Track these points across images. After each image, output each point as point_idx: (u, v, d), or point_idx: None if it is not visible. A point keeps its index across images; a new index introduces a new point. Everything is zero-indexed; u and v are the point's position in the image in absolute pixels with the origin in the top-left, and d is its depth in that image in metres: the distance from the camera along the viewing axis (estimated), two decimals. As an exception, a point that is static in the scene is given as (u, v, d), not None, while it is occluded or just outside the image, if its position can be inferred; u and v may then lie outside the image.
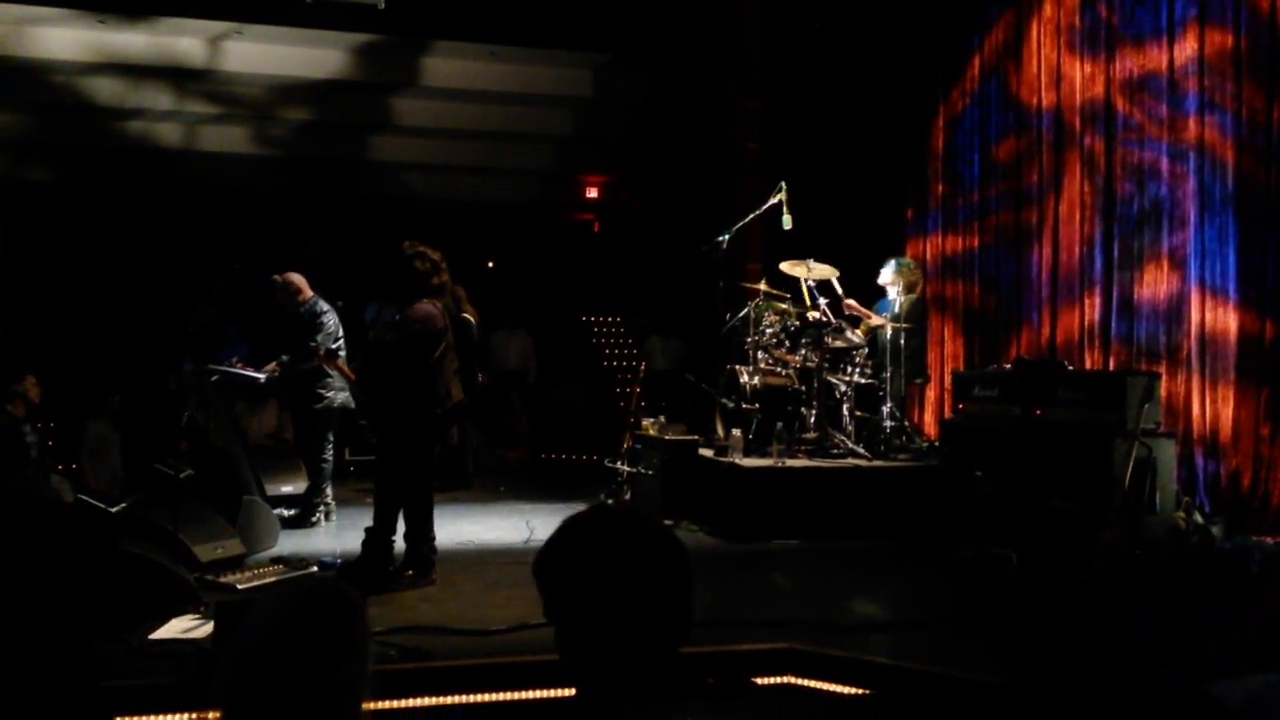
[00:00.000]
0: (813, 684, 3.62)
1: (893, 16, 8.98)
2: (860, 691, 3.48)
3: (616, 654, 1.50)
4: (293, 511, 6.84)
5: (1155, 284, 6.65)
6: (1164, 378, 6.20)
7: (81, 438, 8.26)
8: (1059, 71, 7.48)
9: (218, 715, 1.59)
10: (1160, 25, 6.64)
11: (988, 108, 8.32)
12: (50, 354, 10.30)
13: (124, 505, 5.32)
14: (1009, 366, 6.59)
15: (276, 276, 7.12)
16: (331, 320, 6.88)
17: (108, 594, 3.79)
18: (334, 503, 6.99)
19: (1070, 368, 6.36)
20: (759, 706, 1.59)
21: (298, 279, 7.04)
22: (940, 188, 8.87)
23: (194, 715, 3.19)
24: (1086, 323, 7.17)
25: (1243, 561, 5.31)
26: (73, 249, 13.08)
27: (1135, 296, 6.77)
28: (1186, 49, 6.43)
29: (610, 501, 7.61)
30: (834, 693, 3.54)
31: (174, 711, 3.22)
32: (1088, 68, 7.23)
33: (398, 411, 5.00)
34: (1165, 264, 6.58)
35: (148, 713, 3.21)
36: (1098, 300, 7.07)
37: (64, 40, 10.77)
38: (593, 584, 1.52)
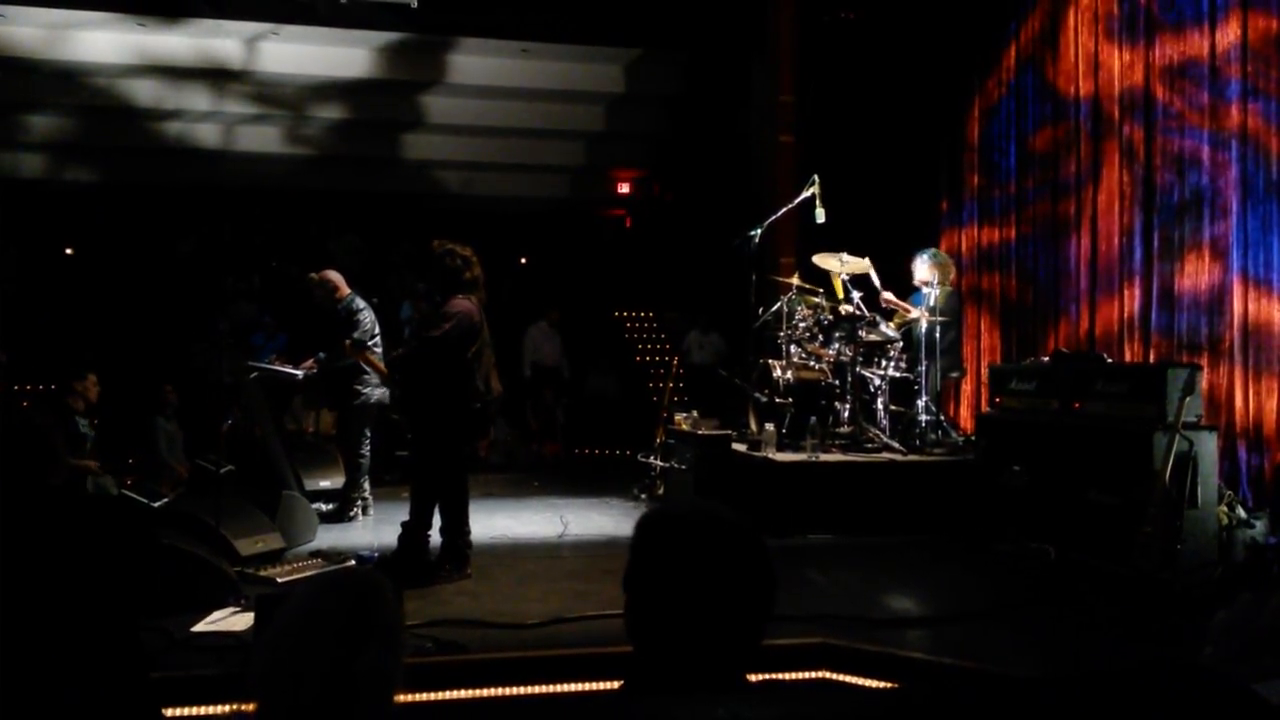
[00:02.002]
0: (847, 679, 3.61)
1: (927, 6, 8.89)
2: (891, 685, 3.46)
3: (686, 638, 1.49)
4: (331, 506, 6.93)
5: (1196, 275, 6.52)
6: (1206, 370, 6.08)
7: (152, 435, 8.50)
8: (1097, 60, 7.37)
9: (254, 706, 1.61)
10: (1201, 11, 6.51)
11: (1024, 97, 8.20)
12: (95, 351, 10.50)
13: (166, 500, 5.42)
14: (1047, 359, 6.51)
15: (313, 274, 7.21)
16: (368, 317, 6.95)
17: (148, 586, 3.86)
18: (371, 498, 7.07)
19: (1109, 360, 6.27)
20: (793, 700, 1.59)
21: (335, 276, 7.12)
22: (976, 179, 8.77)
23: (235, 707, 3.25)
24: (1126, 314, 7.06)
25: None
26: (113, 248, 13.33)
27: (1176, 287, 6.66)
28: (1229, 34, 6.30)
29: (644, 496, 7.64)
30: (869, 688, 3.53)
31: (216, 703, 3.28)
32: (1126, 55, 7.11)
33: (433, 407, 5.05)
34: (1207, 254, 6.46)
35: (190, 704, 3.27)
36: (1137, 292, 6.96)
37: (105, 43, 10.96)
38: (689, 566, 1.50)
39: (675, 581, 1.50)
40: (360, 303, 7.01)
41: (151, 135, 12.30)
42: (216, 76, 11.56)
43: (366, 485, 7.02)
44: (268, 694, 1.60)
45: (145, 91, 11.66)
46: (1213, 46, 6.41)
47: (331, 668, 1.57)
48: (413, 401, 5.24)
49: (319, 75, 11.61)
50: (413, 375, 5.21)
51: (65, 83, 11.40)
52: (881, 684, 3.54)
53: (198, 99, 11.84)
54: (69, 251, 13.91)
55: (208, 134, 12.53)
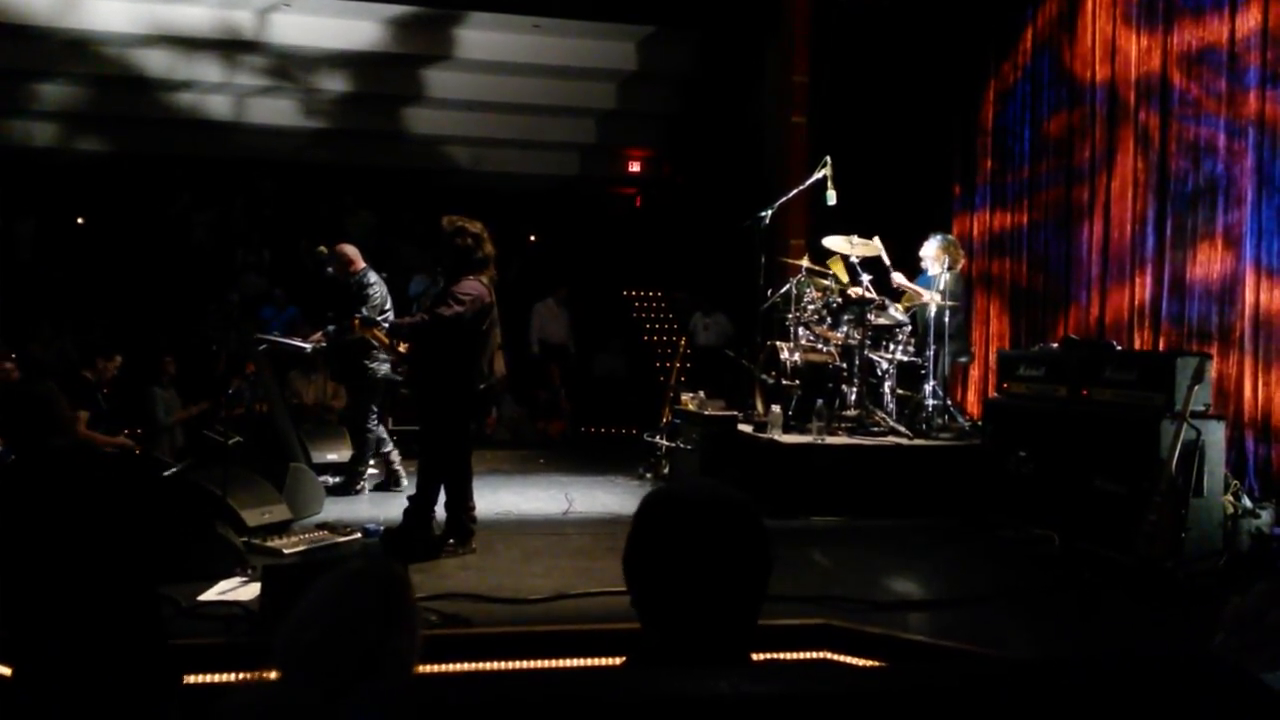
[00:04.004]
0: (849, 660, 3.63)
1: (943, -12, 8.81)
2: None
3: (679, 616, 1.49)
4: (337, 479, 6.96)
5: (1209, 263, 6.49)
6: (1215, 359, 6.07)
7: (151, 404, 8.55)
8: (1114, 44, 7.30)
9: (275, 675, 1.81)
10: (1222, -4, 6.45)
11: (1039, 82, 8.14)
12: (103, 322, 10.53)
13: (174, 470, 5.45)
14: (1056, 345, 6.49)
15: (323, 247, 7.21)
16: (379, 292, 6.94)
17: (158, 549, 3.88)
18: (401, 469, 7.08)
19: (1119, 347, 6.25)
20: (795, 676, 1.59)
21: (350, 250, 7.12)
22: (989, 163, 8.71)
23: (242, 675, 3.27)
24: (1137, 302, 7.03)
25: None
26: (124, 218, 13.34)
27: (1187, 276, 6.62)
28: (1249, 21, 6.23)
29: (649, 475, 7.65)
30: (869, 667, 3.54)
31: (222, 671, 3.31)
32: (1144, 40, 7.05)
33: (439, 385, 5.06)
34: (1219, 243, 6.42)
35: (197, 672, 3.29)
36: (1149, 279, 6.93)
37: (116, 13, 10.93)
38: (680, 544, 1.49)
39: (666, 558, 1.49)
40: (372, 276, 7.01)
41: (163, 106, 12.30)
42: (229, 48, 11.53)
43: (396, 456, 7.05)
44: (294, 669, 1.78)
45: (157, 62, 11.64)
46: (1232, 33, 6.34)
47: (359, 652, 1.78)
48: (418, 378, 5.26)
49: (330, 48, 11.57)
50: (419, 352, 5.22)
51: (77, 51, 11.38)
52: (882, 665, 3.55)
53: (209, 70, 11.82)
54: (80, 221, 13.93)
55: (220, 105, 12.51)
